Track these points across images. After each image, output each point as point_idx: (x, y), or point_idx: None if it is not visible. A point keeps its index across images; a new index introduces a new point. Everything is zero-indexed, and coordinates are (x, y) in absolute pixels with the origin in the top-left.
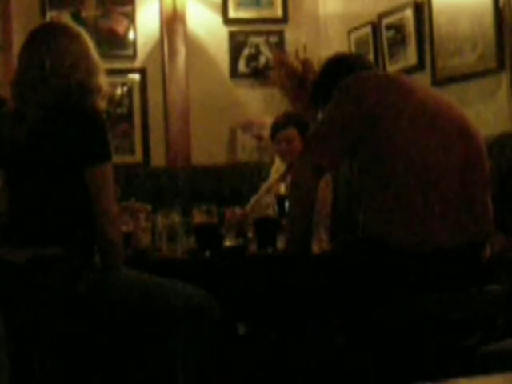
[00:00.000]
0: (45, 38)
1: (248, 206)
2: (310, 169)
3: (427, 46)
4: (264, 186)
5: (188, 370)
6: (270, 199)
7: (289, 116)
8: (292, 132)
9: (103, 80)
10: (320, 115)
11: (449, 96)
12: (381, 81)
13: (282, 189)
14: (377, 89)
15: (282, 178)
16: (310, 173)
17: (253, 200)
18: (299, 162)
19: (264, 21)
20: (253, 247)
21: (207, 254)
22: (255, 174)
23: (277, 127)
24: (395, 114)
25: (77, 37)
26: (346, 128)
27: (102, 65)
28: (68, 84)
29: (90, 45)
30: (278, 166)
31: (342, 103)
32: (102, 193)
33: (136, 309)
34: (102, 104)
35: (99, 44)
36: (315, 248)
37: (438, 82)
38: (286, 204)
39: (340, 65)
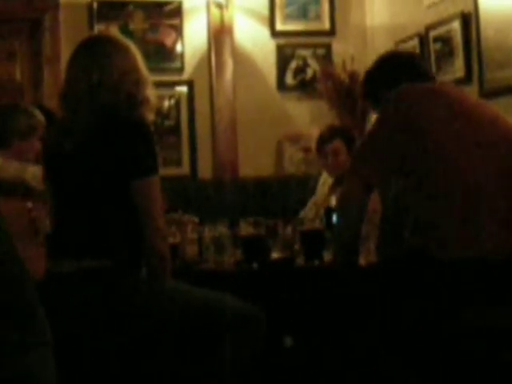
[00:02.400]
0: (93, 50)
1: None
2: (359, 186)
3: (475, 58)
4: (312, 200)
5: (234, 381)
6: (320, 212)
7: (334, 129)
8: (338, 145)
9: (151, 92)
10: (368, 126)
11: (497, 108)
12: (426, 94)
13: (332, 201)
14: (422, 102)
15: (331, 192)
16: (358, 189)
17: (301, 213)
18: (347, 179)
19: (311, 33)
20: (300, 260)
21: (254, 266)
22: (302, 186)
23: (322, 140)
24: (441, 127)
25: (125, 49)
26: (393, 144)
27: (150, 77)
28: (116, 97)
29: (138, 57)
30: (325, 180)
31: (388, 118)
32: (150, 206)
33: (183, 321)
34: (150, 116)
35: (147, 57)
36: (362, 260)
37: (485, 94)
38: (334, 217)
39: (393, 64)
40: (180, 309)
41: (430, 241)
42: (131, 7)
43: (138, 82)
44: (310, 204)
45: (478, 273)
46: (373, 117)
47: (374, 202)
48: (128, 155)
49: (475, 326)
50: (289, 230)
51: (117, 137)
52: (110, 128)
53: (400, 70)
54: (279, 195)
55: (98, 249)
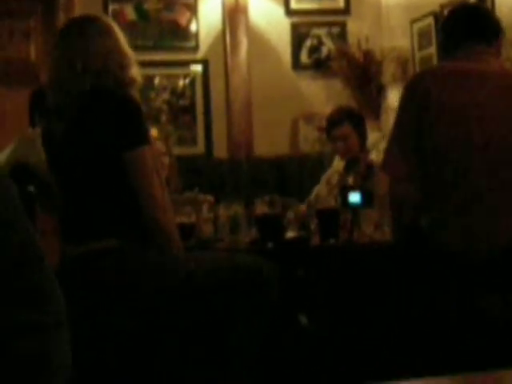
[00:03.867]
0: (75, 36)
1: (311, 197)
2: (393, 180)
3: None
4: (324, 177)
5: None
6: (333, 191)
7: (342, 111)
8: (347, 129)
9: (136, 72)
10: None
11: None
12: (446, 76)
13: (349, 180)
14: (441, 85)
15: (344, 175)
16: (394, 183)
17: (314, 190)
18: (382, 174)
19: (326, 12)
20: (315, 238)
21: (270, 245)
22: (317, 164)
23: (331, 124)
24: (458, 112)
25: (107, 31)
26: (414, 130)
27: (134, 56)
28: (102, 81)
29: (121, 37)
30: (338, 162)
31: (408, 105)
32: (143, 177)
33: (193, 288)
34: (136, 94)
35: (161, 36)
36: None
37: None
38: (349, 195)
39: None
40: (189, 275)
41: (441, 229)
42: None
43: (123, 64)
44: (322, 181)
45: (493, 262)
46: (389, 96)
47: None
48: (116, 129)
49: (489, 315)
50: (303, 208)
51: (103, 114)
52: (97, 108)
53: (450, 22)
54: (294, 174)
55: (102, 230)
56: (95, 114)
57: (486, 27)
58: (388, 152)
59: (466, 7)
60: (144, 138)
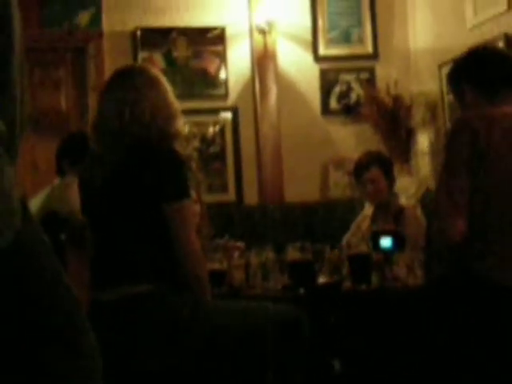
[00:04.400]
0: (125, 84)
1: (342, 243)
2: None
3: None
4: (355, 224)
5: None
6: (364, 236)
7: (371, 156)
8: (375, 172)
9: (181, 124)
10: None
11: None
12: (492, 117)
13: (379, 224)
14: (487, 128)
15: (372, 220)
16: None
17: (345, 238)
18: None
19: (354, 57)
20: (348, 284)
21: (301, 291)
22: (348, 210)
23: (360, 168)
24: (502, 151)
25: (156, 83)
26: (466, 165)
27: (180, 109)
28: (148, 132)
29: (169, 90)
30: (368, 207)
31: (458, 143)
32: (181, 229)
33: (226, 337)
34: (182, 146)
35: (191, 84)
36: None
37: None
38: (380, 240)
39: (481, 60)
40: (222, 325)
41: (478, 261)
42: (174, 34)
43: (170, 117)
44: (353, 227)
45: None
46: (418, 141)
47: (411, 226)
48: (156, 181)
49: None
50: (336, 253)
51: (145, 165)
52: (139, 158)
53: (487, 68)
54: (325, 220)
55: (137, 275)
56: (138, 164)
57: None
58: (439, 194)
59: (495, 53)
60: (185, 192)
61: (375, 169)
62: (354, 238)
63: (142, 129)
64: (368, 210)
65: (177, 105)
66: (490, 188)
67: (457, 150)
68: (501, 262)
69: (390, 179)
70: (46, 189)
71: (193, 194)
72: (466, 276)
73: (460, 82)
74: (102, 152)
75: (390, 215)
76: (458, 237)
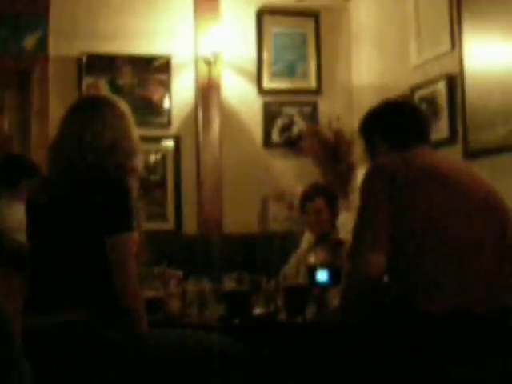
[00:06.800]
0: (89, 111)
1: (280, 276)
2: (366, 266)
3: (459, 119)
4: (294, 256)
5: None
6: (301, 268)
7: (317, 187)
8: (320, 203)
9: (140, 162)
10: (353, 184)
11: (481, 169)
12: (406, 160)
13: (312, 259)
14: (404, 169)
15: (312, 249)
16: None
17: (283, 269)
18: (352, 263)
19: (298, 91)
20: (283, 316)
21: (237, 321)
22: (286, 243)
23: (305, 198)
24: (423, 191)
25: (121, 116)
26: (384, 207)
27: (140, 146)
28: (104, 163)
29: (132, 124)
30: (308, 237)
31: (374, 186)
32: (122, 262)
33: (161, 364)
34: (135, 183)
35: (134, 111)
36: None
37: (469, 154)
38: (317, 274)
39: (393, 114)
40: (156, 352)
41: (416, 291)
42: (120, 62)
43: (129, 152)
44: (292, 260)
45: (465, 326)
46: (358, 176)
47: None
48: (101, 211)
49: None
50: (272, 285)
51: (91, 192)
52: (86, 183)
53: (398, 122)
54: (263, 251)
55: (74, 301)
56: (86, 191)
57: (428, 130)
58: (359, 230)
59: (406, 106)
60: (128, 225)
61: (320, 199)
62: (292, 270)
63: (98, 159)
64: (308, 238)
65: (138, 142)
66: (417, 222)
67: (375, 188)
68: (437, 291)
69: (334, 212)
70: None
71: (134, 223)
72: (401, 308)
73: (372, 134)
74: (54, 175)
75: (329, 247)
76: (380, 272)
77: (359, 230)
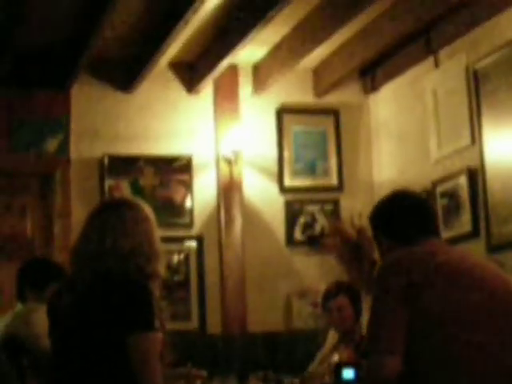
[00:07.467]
0: (112, 214)
1: (305, 375)
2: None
3: (481, 213)
4: (319, 355)
5: None
6: (325, 368)
7: (339, 284)
8: (343, 300)
9: (161, 267)
10: None
11: (504, 262)
12: (419, 257)
13: (336, 357)
14: (417, 266)
15: (336, 347)
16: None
17: (310, 368)
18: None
19: (319, 189)
20: None
21: None
22: (311, 340)
23: (327, 296)
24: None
25: (144, 219)
26: (399, 308)
27: (162, 250)
28: (125, 266)
29: (155, 227)
30: (332, 334)
31: (388, 284)
32: (144, 361)
33: None
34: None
35: (156, 212)
36: None
37: (492, 248)
38: (342, 372)
39: (399, 209)
40: None
41: None
42: (141, 163)
43: (151, 256)
44: (318, 358)
45: None
46: None
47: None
48: (123, 311)
49: None
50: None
51: (112, 293)
52: (107, 285)
53: (399, 218)
54: (288, 349)
55: None
56: (107, 293)
57: (437, 224)
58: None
59: (408, 199)
60: (150, 325)
61: (342, 297)
62: (319, 368)
63: (118, 261)
64: (333, 337)
65: (160, 247)
66: (431, 325)
67: (390, 286)
68: None
69: (357, 309)
70: (8, 313)
71: (157, 322)
72: None
73: (374, 229)
74: (75, 276)
75: (353, 344)
76: (395, 374)
77: (374, 332)
